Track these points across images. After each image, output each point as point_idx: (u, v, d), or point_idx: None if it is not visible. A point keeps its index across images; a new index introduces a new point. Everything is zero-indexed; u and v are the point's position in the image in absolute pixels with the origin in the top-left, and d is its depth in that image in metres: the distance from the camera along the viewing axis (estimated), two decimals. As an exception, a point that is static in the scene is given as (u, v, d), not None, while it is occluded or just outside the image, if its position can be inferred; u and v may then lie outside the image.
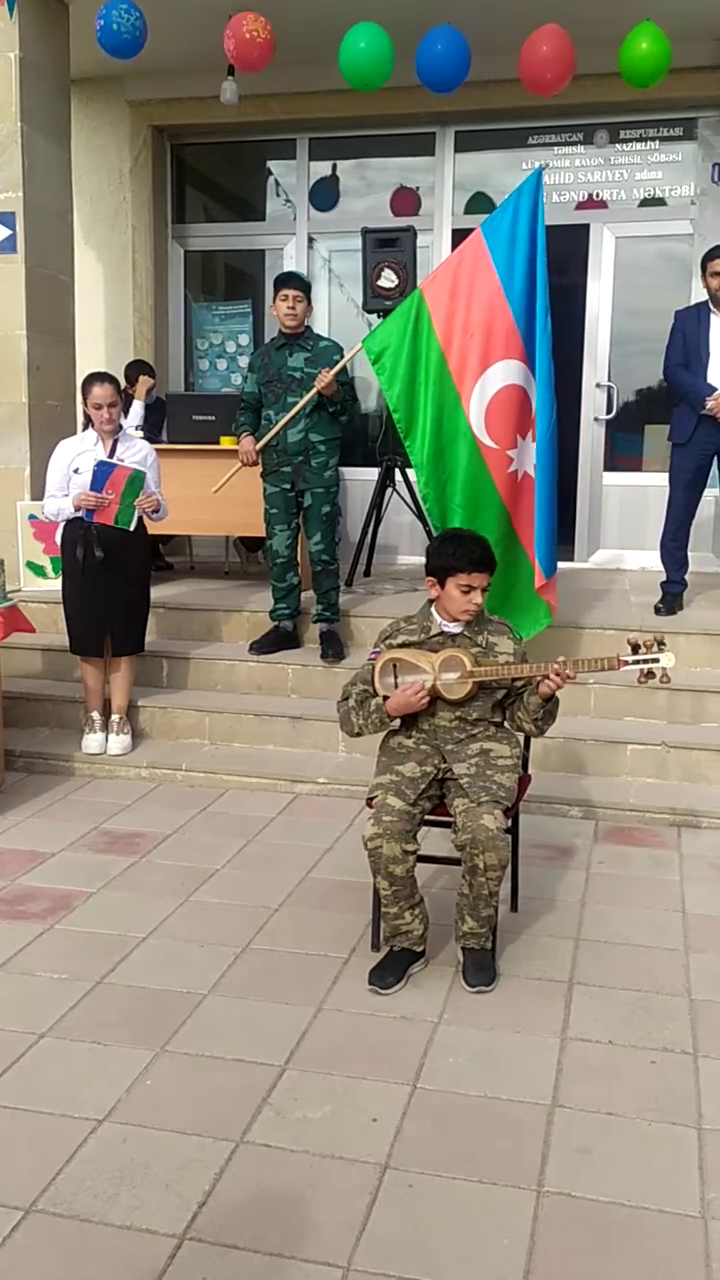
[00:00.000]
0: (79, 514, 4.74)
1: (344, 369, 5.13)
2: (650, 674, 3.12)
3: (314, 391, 5.04)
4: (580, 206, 7.26)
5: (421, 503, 4.98)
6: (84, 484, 4.72)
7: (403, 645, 3.21)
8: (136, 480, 4.71)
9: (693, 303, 5.87)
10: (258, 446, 5.22)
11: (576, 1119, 2.48)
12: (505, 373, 4.62)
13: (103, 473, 4.68)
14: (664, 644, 3.14)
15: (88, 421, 4.88)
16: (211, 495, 5.34)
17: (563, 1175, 2.29)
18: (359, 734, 3.23)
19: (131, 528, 4.78)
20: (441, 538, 3.32)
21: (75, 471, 4.76)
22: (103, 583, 4.80)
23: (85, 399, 4.79)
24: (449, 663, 3.13)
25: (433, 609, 3.25)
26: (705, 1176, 2.29)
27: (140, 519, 4.86)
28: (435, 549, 3.23)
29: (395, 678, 3.16)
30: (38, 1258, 2.05)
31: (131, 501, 4.71)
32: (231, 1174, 2.28)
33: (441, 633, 3.21)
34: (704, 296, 5.44)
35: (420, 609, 3.30)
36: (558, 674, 3.06)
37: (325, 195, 7.76)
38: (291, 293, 5.17)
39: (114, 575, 4.81)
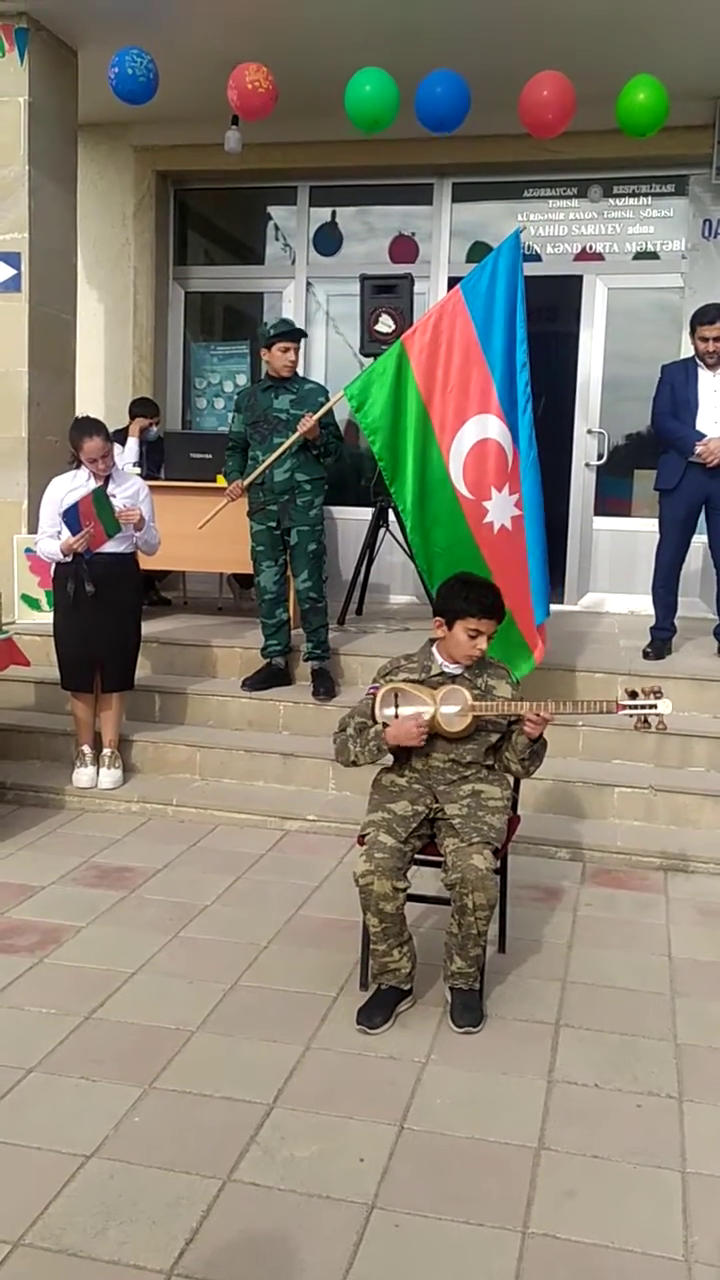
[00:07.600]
0: (69, 558, 4.77)
1: (329, 412, 5.23)
2: (646, 721, 3.17)
3: (298, 435, 5.13)
4: (577, 259, 7.41)
5: (408, 547, 5.06)
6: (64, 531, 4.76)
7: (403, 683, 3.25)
8: (99, 496, 4.73)
9: (681, 357, 5.99)
10: (244, 484, 5.32)
11: (562, 1161, 2.49)
12: (481, 427, 4.73)
13: (71, 517, 4.73)
14: (661, 693, 3.19)
15: (79, 460, 4.92)
16: (204, 532, 5.41)
17: (548, 1217, 2.30)
18: (354, 763, 3.25)
19: (122, 532, 4.78)
20: (454, 581, 3.32)
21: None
22: (93, 618, 4.82)
23: (76, 449, 4.81)
24: (450, 696, 3.17)
25: (434, 649, 3.28)
26: (689, 1220, 2.31)
27: (134, 556, 4.92)
28: (447, 590, 3.27)
29: (396, 708, 3.19)
30: (24, 1293, 2.06)
31: (110, 514, 4.73)
32: (219, 1212, 2.28)
33: (442, 673, 3.24)
34: (693, 351, 5.56)
35: (421, 648, 3.34)
36: (536, 716, 3.11)
37: (325, 241, 7.90)
38: (294, 345, 5.30)
39: (105, 610, 4.84)
